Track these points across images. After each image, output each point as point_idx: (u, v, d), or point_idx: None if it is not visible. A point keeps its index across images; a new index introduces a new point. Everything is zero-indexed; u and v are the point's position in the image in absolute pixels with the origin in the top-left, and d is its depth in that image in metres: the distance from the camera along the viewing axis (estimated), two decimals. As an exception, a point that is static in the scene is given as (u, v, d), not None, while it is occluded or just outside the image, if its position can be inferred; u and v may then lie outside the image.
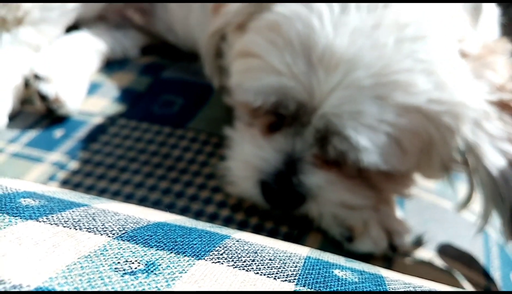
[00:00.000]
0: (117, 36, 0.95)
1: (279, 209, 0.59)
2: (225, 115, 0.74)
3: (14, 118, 0.79)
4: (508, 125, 0.51)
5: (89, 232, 0.24)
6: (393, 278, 0.25)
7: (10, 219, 0.24)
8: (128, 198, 0.66)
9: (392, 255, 0.58)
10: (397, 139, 0.50)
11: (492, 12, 0.66)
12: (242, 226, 0.61)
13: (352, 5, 0.49)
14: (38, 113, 0.80)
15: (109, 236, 0.24)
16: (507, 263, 0.64)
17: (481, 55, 0.51)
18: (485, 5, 0.62)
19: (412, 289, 0.23)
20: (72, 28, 0.91)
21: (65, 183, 0.68)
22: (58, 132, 0.77)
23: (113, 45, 0.93)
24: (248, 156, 0.58)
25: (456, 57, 0.51)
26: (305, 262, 0.24)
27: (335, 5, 0.49)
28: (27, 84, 0.81)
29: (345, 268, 0.24)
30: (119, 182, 0.68)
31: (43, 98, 0.77)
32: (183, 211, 0.63)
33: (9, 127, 0.77)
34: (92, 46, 0.90)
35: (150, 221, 0.27)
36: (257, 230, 0.61)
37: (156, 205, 0.64)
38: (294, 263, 0.23)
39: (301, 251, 0.26)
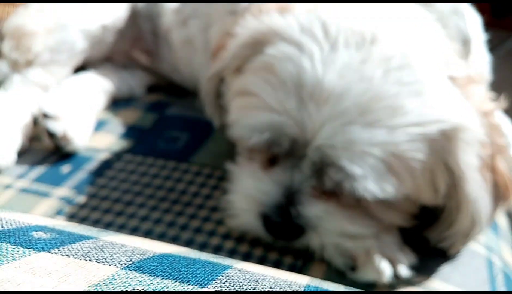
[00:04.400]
0: (123, 76, 0.98)
1: (281, 241, 0.60)
2: (228, 149, 0.76)
3: (22, 154, 0.81)
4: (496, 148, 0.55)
5: (98, 263, 0.25)
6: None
7: (24, 251, 0.25)
8: (134, 231, 0.67)
9: (396, 284, 0.58)
10: (389, 164, 0.51)
11: (479, 39, 0.69)
12: (246, 257, 0.62)
13: (341, 42, 0.52)
14: (46, 150, 0.82)
15: (117, 267, 0.25)
16: None
17: (464, 83, 0.54)
18: (472, 35, 0.66)
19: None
20: (80, 68, 0.95)
21: (72, 217, 0.69)
22: (65, 168, 0.79)
23: (119, 84, 0.97)
24: (248, 190, 0.60)
25: (445, 80, 0.54)
26: (304, 290, 0.25)
27: (325, 44, 0.52)
28: (35, 122, 0.84)
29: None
30: (125, 215, 0.69)
31: (51, 135, 0.79)
32: (188, 244, 0.65)
33: (18, 163, 0.79)
34: (99, 86, 0.93)
35: (155, 253, 0.28)
36: (261, 261, 0.62)
37: (161, 237, 0.66)
38: (293, 291, 0.25)
39: (301, 280, 0.27)
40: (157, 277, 0.24)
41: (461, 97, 0.55)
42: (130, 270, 0.25)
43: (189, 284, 0.24)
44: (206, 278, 0.25)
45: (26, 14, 0.88)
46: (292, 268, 0.61)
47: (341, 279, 0.59)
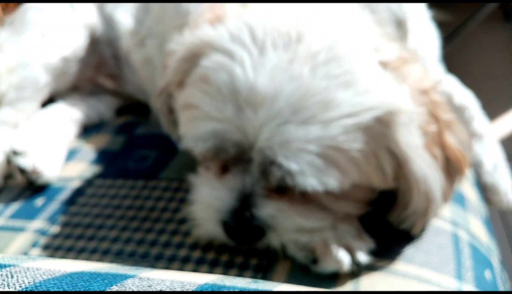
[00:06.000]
0: (91, 103, 1.00)
1: (243, 244, 0.61)
2: (194, 162, 0.77)
3: (-1, 193, 0.83)
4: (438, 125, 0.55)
5: (3, 288, 0.27)
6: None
7: None
8: (105, 254, 0.68)
9: (358, 271, 0.59)
10: (328, 157, 0.52)
11: (421, 17, 0.70)
12: (213, 265, 0.63)
13: (269, 45, 0.54)
14: (21, 186, 0.84)
15: (16, 289, 0.27)
16: (481, 262, 0.65)
17: (397, 65, 0.55)
18: (409, 15, 0.67)
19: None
20: (49, 100, 0.97)
21: (46, 248, 0.71)
22: (39, 201, 0.81)
23: (88, 111, 0.99)
24: (206, 198, 0.61)
25: (375, 66, 0.55)
26: (195, 289, 0.26)
27: (254, 49, 0.54)
28: (9, 160, 0.86)
29: (231, 288, 0.27)
30: (96, 240, 0.71)
31: (22, 171, 0.81)
32: (157, 259, 0.66)
33: (-6, 202, 0.82)
34: (67, 116, 0.95)
35: (66, 271, 0.30)
36: (228, 266, 0.63)
37: (131, 256, 0.67)
38: (185, 291, 0.26)
39: (199, 280, 0.29)
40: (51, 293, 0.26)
41: (393, 80, 0.56)
42: (28, 290, 0.27)
43: (79, 297, 0.26)
44: (98, 289, 0.26)
45: (-12, 57, 0.91)
46: (258, 269, 0.62)
47: (306, 273, 0.60)
